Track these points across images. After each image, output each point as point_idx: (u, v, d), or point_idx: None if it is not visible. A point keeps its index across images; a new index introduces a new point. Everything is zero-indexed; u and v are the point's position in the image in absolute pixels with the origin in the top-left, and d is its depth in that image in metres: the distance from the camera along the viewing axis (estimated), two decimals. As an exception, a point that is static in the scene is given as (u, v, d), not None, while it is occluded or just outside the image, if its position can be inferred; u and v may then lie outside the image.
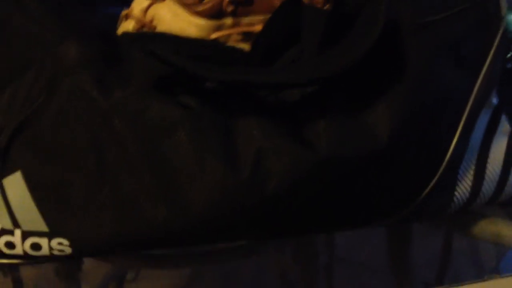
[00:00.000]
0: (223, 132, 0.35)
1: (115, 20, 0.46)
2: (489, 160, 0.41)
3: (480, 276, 0.39)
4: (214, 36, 0.42)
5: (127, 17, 0.44)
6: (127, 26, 0.44)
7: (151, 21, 0.43)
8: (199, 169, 0.34)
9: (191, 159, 0.34)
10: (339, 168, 0.35)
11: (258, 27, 0.41)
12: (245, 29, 0.42)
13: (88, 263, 0.46)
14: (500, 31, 0.39)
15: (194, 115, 0.35)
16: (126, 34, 0.42)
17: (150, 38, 0.41)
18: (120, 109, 0.35)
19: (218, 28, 0.42)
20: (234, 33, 0.42)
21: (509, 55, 0.41)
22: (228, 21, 0.42)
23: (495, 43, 0.39)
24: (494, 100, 0.41)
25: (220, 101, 0.36)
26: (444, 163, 0.38)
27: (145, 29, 0.43)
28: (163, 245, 0.36)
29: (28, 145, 0.35)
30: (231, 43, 0.43)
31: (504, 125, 0.42)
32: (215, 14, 0.42)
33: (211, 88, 0.37)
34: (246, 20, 0.42)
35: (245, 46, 0.42)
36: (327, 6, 0.39)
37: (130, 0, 0.45)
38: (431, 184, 0.38)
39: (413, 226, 0.49)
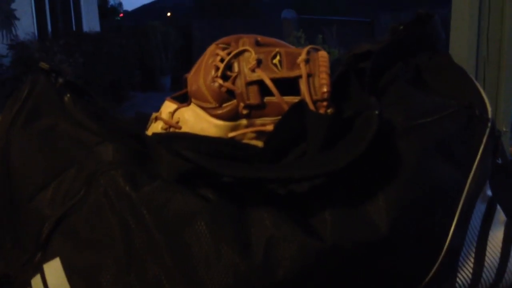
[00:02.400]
0: (238, 222, 0.39)
1: (144, 119, 0.53)
2: (488, 249, 0.43)
3: None
4: (231, 135, 0.48)
5: (156, 119, 0.51)
6: (156, 126, 0.51)
7: (177, 122, 0.50)
8: (215, 256, 0.38)
9: (209, 247, 0.38)
10: (343, 255, 0.39)
11: (269, 127, 0.47)
12: (258, 128, 0.48)
13: None
14: (487, 131, 0.44)
15: (213, 206, 0.40)
16: (155, 134, 0.48)
17: (175, 137, 0.47)
18: (148, 201, 0.40)
19: (235, 128, 0.48)
20: (248, 132, 0.48)
21: (497, 151, 0.45)
22: (243, 122, 0.48)
23: (483, 142, 0.43)
24: (489, 192, 0.45)
25: (235, 193, 0.41)
26: (443, 251, 0.41)
27: (171, 130, 0.50)
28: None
29: (67, 234, 0.40)
30: (246, 140, 0.48)
31: (500, 215, 0.45)
32: (232, 116, 0.48)
33: (228, 182, 0.42)
34: (259, 121, 0.48)
35: (258, 143, 0.48)
36: (329, 110, 0.45)
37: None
38: (432, 271, 0.41)
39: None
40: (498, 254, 0.43)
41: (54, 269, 0.39)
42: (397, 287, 0.41)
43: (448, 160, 0.42)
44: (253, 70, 0.46)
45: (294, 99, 0.46)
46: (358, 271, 0.39)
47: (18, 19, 4.92)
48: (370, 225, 0.39)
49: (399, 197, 0.40)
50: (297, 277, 0.38)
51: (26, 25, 5.10)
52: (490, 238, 0.44)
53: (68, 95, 0.46)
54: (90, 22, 7.35)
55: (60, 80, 0.47)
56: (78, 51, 5.08)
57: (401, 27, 0.49)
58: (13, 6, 4.84)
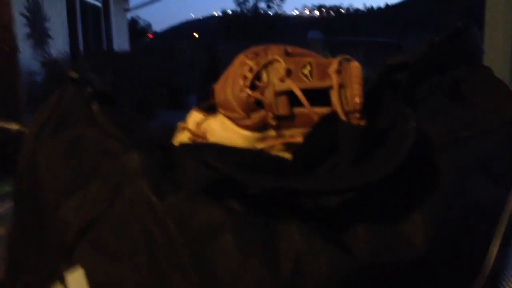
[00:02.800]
0: (265, 235, 0.38)
1: (170, 130, 0.52)
2: (531, 271, 0.41)
3: None
4: (259, 146, 0.47)
5: (183, 129, 0.50)
6: (183, 137, 0.50)
7: (204, 133, 0.49)
8: (242, 270, 0.37)
9: (235, 260, 0.37)
10: (376, 274, 0.37)
11: (298, 139, 0.46)
12: (287, 140, 0.46)
13: None
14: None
15: (239, 218, 0.38)
16: (181, 144, 0.47)
17: (202, 147, 0.46)
18: (173, 211, 0.38)
19: (263, 139, 0.47)
20: (277, 143, 0.47)
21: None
22: (272, 133, 0.47)
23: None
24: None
25: (263, 205, 0.39)
26: (485, 273, 0.38)
27: (198, 140, 0.49)
28: None
29: (91, 244, 0.39)
30: (274, 152, 0.47)
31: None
32: (260, 127, 0.47)
33: (255, 193, 0.40)
34: (288, 132, 0.46)
35: (287, 155, 0.46)
36: (362, 122, 0.44)
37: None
38: (471, 293, 0.38)
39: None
40: (543, 278, 0.41)
41: (77, 280, 0.39)
42: (433, 310, 0.38)
43: (489, 177, 0.40)
44: (282, 80, 0.45)
45: (325, 110, 0.44)
46: (391, 291, 0.37)
47: (52, 38, 5.08)
48: (405, 243, 0.37)
49: (437, 215, 0.38)
50: None
51: (59, 43, 5.26)
52: (533, 260, 0.41)
53: (97, 104, 0.46)
54: (120, 42, 7.54)
55: (89, 89, 0.47)
56: (108, 69, 5.20)
57: (438, 40, 0.47)
58: (47, 25, 5.01)
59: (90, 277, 0.38)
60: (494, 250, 0.39)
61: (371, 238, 0.37)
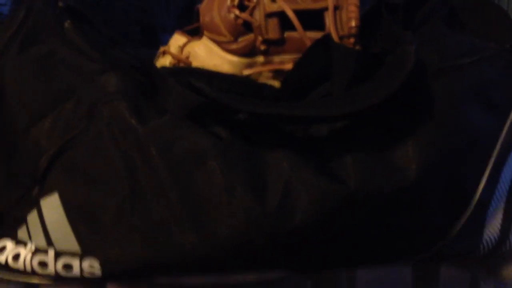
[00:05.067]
0: (252, 162, 0.36)
1: (150, 57, 0.49)
2: (517, 203, 0.40)
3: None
4: (246, 72, 0.44)
5: (164, 53, 0.47)
6: (164, 61, 0.47)
7: (187, 57, 0.45)
8: (227, 198, 0.35)
9: (221, 188, 0.35)
10: (366, 202, 0.36)
11: (288, 66, 0.43)
12: (276, 67, 0.44)
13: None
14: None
15: (225, 145, 0.36)
16: (163, 68, 0.44)
17: (186, 72, 0.43)
18: (155, 136, 0.36)
19: (250, 65, 0.44)
20: (265, 70, 0.44)
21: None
22: (260, 59, 0.44)
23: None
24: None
25: (250, 133, 0.37)
26: (472, 204, 0.38)
27: (181, 65, 0.46)
28: (190, 271, 0.37)
29: (66, 169, 0.37)
30: (262, 79, 0.45)
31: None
32: (248, 52, 0.44)
33: (242, 120, 0.38)
34: (277, 58, 0.44)
35: (275, 83, 0.44)
36: (357, 47, 0.41)
37: (158, 44, 0.48)
38: (459, 224, 0.38)
39: (441, 271, 0.48)
40: (529, 210, 0.41)
41: (52, 205, 0.36)
42: (421, 239, 0.38)
43: (484, 106, 0.39)
44: (273, 0, 0.42)
45: (318, 34, 0.42)
46: (381, 220, 0.36)
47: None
48: (396, 171, 0.36)
49: (429, 143, 0.37)
50: (314, 224, 0.35)
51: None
52: (521, 193, 0.41)
53: (69, 20, 0.42)
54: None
55: (60, 3, 0.43)
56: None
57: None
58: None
59: (66, 202, 0.36)
60: (483, 180, 0.38)
61: (362, 166, 0.36)
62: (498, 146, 0.39)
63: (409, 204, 0.37)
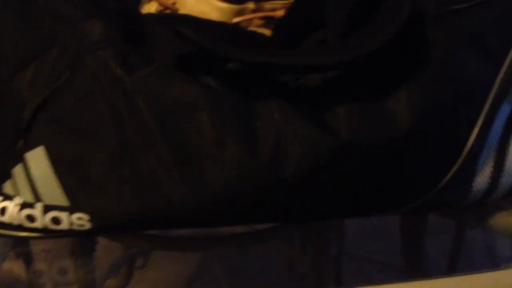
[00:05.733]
0: (243, 113, 0.35)
1: (137, 4, 0.47)
2: (509, 152, 0.40)
3: (495, 266, 0.38)
4: (235, 20, 0.42)
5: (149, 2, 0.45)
6: (149, 8, 0.45)
7: (174, 3, 0.43)
8: (218, 149, 0.34)
9: (211, 139, 0.34)
10: (358, 153, 0.35)
11: (280, 12, 0.41)
12: (267, 14, 0.42)
13: (101, 244, 0.46)
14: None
15: (216, 96, 0.35)
16: (149, 14, 0.42)
17: (173, 19, 0.41)
18: (143, 87, 0.35)
19: (240, 13, 0.42)
20: (255, 17, 0.42)
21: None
22: (250, 5, 0.42)
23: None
24: (515, 93, 0.41)
25: (241, 83, 0.36)
26: (464, 153, 0.38)
27: (167, 12, 0.44)
28: (181, 223, 0.37)
29: (51, 121, 0.35)
30: (252, 28, 0.43)
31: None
32: (238, -2, 0.42)
33: (233, 69, 0.37)
34: (268, 5, 0.42)
35: (266, 32, 0.43)
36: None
37: None
38: (450, 173, 0.38)
39: (428, 220, 0.48)
40: (520, 160, 0.41)
41: (37, 159, 0.35)
42: (412, 189, 0.38)
43: (480, 52, 0.38)
44: None
45: (311, -22, 0.40)
46: (373, 170, 0.36)
47: None
48: (389, 121, 0.36)
49: (424, 92, 0.36)
50: (306, 175, 0.35)
51: None
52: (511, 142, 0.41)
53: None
54: None
55: None
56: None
57: None
58: None
59: (53, 155, 0.35)
60: (476, 129, 0.38)
61: (354, 116, 0.36)
62: (491, 95, 0.38)
63: (401, 153, 0.36)
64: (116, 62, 0.35)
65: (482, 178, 0.39)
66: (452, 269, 0.47)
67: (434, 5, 0.38)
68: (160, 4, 0.44)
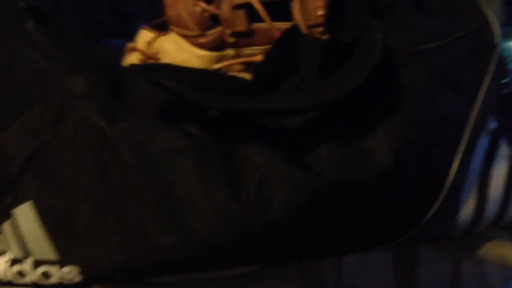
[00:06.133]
0: (226, 159, 0.36)
1: (119, 53, 0.48)
2: (490, 183, 0.41)
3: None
4: (216, 66, 0.44)
5: (132, 50, 0.46)
6: (132, 59, 0.46)
7: (156, 53, 0.45)
8: (203, 196, 0.35)
9: (195, 187, 0.35)
10: (341, 193, 0.36)
11: (258, 57, 0.43)
12: (246, 59, 0.43)
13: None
14: (494, 58, 0.40)
15: (198, 143, 0.36)
16: (131, 66, 0.43)
17: (154, 69, 0.42)
18: (126, 138, 0.36)
19: (220, 59, 0.44)
20: (235, 63, 0.43)
21: (504, 81, 0.42)
22: (230, 52, 0.44)
23: (490, 69, 0.40)
24: (493, 125, 0.42)
25: (223, 129, 0.37)
26: (445, 187, 0.39)
27: (150, 62, 0.45)
28: (171, 271, 0.37)
29: (38, 176, 0.36)
30: (233, 73, 0.44)
31: (503, 149, 0.42)
32: (217, 45, 0.43)
33: (214, 116, 0.38)
34: (247, 51, 0.43)
35: (246, 76, 0.44)
36: (325, 37, 0.41)
37: (132, 33, 0.47)
38: (434, 206, 0.38)
39: (421, 251, 0.48)
40: (501, 189, 0.41)
41: (26, 214, 0.36)
42: (397, 225, 0.38)
43: (453, 89, 0.39)
44: (240, -8, 0.41)
45: (286, 25, 0.41)
46: (356, 209, 0.37)
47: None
48: (370, 160, 0.36)
49: (401, 129, 0.37)
50: (291, 217, 0.35)
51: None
52: (493, 172, 0.41)
53: (32, 21, 0.41)
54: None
55: (21, 4, 0.41)
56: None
57: None
58: None
59: (40, 210, 0.36)
60: (456, 163, 0.38)
61: (335, 156, 0.36)
62: (467, 128, 0.39)
63: (382, 191, 0.37)
64: (99, 115, 0.36)
65: (466, 210, 0.40)
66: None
67: (406, 44, 0.39)
68: (142, 54, 0.45)
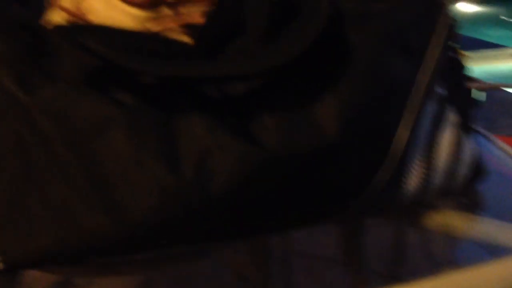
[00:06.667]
0: (162, 130, 0.33)
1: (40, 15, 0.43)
2: (437, 151, 0.40)
3: (433, 268, 0.38)
4: (153, 28, 0.39)
5: (57, 8, 0.41)
6: (56, 18, 0.41)
7: (84, 13, 0.40)
8: (136, 171, 0.32)
9: (128, 160, 0.32)
10: (287, 164, 0.34)
11: (198, 19, 0.39)
12: (186, 21, 0.39)
13: (29, 274, 0.42)
14: (443, 19, 0.39)
15: (130, 112, 0.33)
16: (55, 27, 0.38)
17: (82, 30, 0.38)
18: (47, 108, 0.32)
19: (156, 20, 0.40)
20: (174, 26, 0.40)
21: (451, 43, 0.41)
22: (166, 11, 0.39)
23: (438, 30, 0.38)
24: (440, 90, 0.41)
25: (159, 97, 0.34)
26: (392, 153, 0.37)
27: (77, 22, 0.40)
28: (106, 253, 0.34)
29: None
30: (172, 36, 0.40)
31: (451, 117, 0.42)
32: (152, 3, 0.39)
33: (148, 83, 0.34)
34: (184, 9, 0.39)
35: (185, 39, 0.40)
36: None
37: None
38: (380, 173, 0.37)
39: (364, 226, 0.48)
40: (449, 158, 0.41)
41: None
42: (341, 194, 0.37)
43: (401, 52, 0.37)
44: None
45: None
46: (301, 180, 0.35)
47: None
48: (317, 129, 0.34)
49: (350, 97, 0.35)
50: (234, 191, 0.33)
51: None
52: (440, 140, 0.41)
53: None
54: None
55: None
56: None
57: None
58: None
59: None
60: (402, 129, 0.37)
61: (281, 126, 0.34)
62: (414, 92, 0.38)
63: (331, 159, 0.35)
64: (15, 83, 0.32)
65: (412, 179, 0.39)
66: (393, 269, 0.47)
67: (353, 5, 0.37)
68: (68, 13, 0.40)
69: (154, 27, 0.39)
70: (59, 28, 0.38)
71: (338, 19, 0.36)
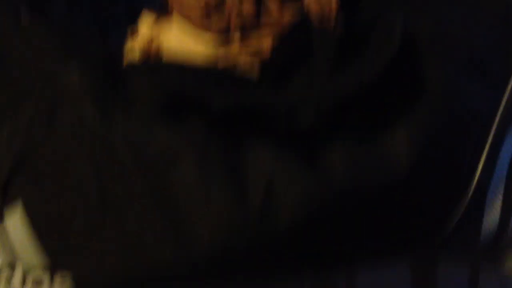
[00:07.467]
0: (232, 162, 0.33)
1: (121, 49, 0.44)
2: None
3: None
4: (222, 52, 0.40)
5: (134, 35, 0.42)
6: (134, 45, 0.42)
7: (157, 48, 0.41)
8: (205, 201, 0.32)
9: (197, 191, 0.32)
10: (356, 198, 0.33)
11: (266, 44, 0.38)
12: (254, 44, 0.39)
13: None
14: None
15: (200, 144, 0.33)
16: (131, 65, 0.39)
17: (157, 66, 0.38)
18: (124, 140, 0.33)
19: (226, 42, 0.40)
20: (241, 49, 0.39)
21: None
22: (236, 35, 0.40)
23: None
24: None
25: (228, 129, 0.34)
26: (471, 188, 0.35)
27: (152, 48, 0.41)
28: (169, 283, 0.35)
29: (30, 178, 0.34)
30: (240, 61, 0.40)
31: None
32: (223, 28, 0.39)
33: (218, 115, 0.34)
34: (254, 34, 0.39)
35: (254, 68, 0.39)
36: (339, 26, 0.36)
37: None
38: (458, 212, 0.35)
39: (439, 268, 0.43)
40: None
41: (16, 216, 0.34)
42: (416, 233, 0.35)
43: (480, 78, 0.34)
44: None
45: (296, 5, 0.37)
46: (371, 218, 0.34)
47: None
48: (387, 162, 0.33)
49: (422, 126, 0.33)
50: (300, 226, 0.33)
51: None
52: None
53: (27, 16, 0.37)
54: None
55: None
56: None
57: None
58: None
59: (31, 212, 0.34)
60: (482, 160, 0.35)
61: (349, 159, 0.33)
62: (497, 120, 0.35)
63: (402, 195, 0.34)
64: (94, 115, 0.33)
65: (491, 217, 0.36)
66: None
67: (428, 30, 0.34)
68: (143, 51, 0.41)
69: (224, 52, 0.40)
70: (135, 67, 0.39)
71: (411, 44, 0.34)
